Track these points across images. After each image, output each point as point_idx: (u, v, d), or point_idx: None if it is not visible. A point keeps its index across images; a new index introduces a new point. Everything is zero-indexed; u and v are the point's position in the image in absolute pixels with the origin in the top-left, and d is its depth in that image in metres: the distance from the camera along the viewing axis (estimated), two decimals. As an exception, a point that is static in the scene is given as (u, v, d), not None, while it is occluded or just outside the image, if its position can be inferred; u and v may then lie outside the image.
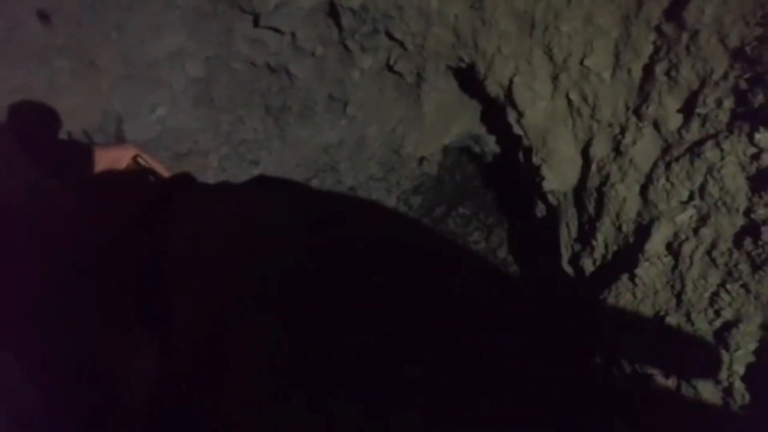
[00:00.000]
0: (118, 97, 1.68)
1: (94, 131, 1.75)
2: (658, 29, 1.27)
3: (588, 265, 1.51)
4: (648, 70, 1.31)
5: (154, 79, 1.81)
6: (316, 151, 2.15)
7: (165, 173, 1.12)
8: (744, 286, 1.06)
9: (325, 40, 1.91)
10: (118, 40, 1.73)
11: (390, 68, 1.94)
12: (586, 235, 1.52)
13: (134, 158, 1.09)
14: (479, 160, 2.05)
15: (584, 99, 1.46)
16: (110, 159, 1.08)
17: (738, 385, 1.05)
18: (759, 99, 1.05)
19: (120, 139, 1.81)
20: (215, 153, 1.98)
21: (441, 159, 2.11)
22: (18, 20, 1.60)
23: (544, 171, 1.58)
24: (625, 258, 1.36)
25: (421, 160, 2.10)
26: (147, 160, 1.11)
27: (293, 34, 1.86)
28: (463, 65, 1.80)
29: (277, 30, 1.81)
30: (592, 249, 1.48)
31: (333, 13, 1.83)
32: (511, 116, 1.63)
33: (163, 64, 1.85)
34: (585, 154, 1.49)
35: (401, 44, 1.84)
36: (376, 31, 1.84)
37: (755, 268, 1.04)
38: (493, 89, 1.69)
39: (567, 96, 1.50)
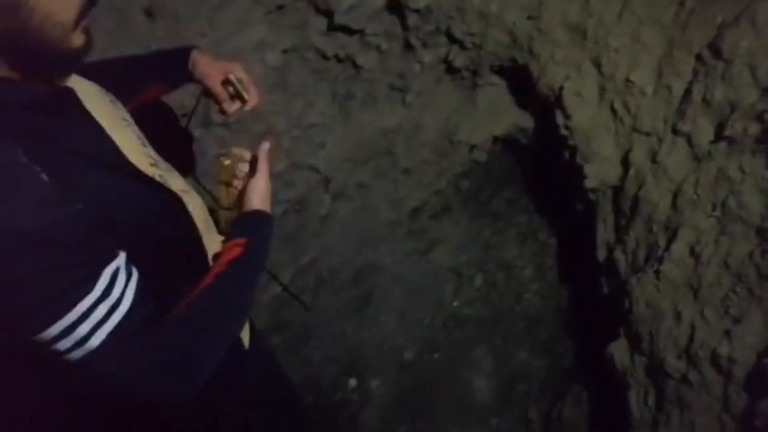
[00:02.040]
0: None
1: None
2: (698, 55, 1.41)
3: (620, 258, 1.69)
4: (686, 91, 1.46)
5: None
6: (375, 135, 2.35)
7: (251, 98, 1.15)
8: (750, 290, 1.24)
9: (390, 35, 2.08)
10: (209, 32, 1.95)
11: (448, 63, 2.11)
12: (620, 232, 1.70)
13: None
14: (525, 150, 2.22)
15: (627, 109, 1.61)
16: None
17: (737, 372, 1.24)
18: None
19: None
20: (287, 135, 2.20)
21: (490, 147, 2.28)
22: (126, 15, 1.83)
23: (587, 170, 1.75)
24: (653, 256, 1.54)
25: (472, 147, 2.28)
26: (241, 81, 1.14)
27: (362, 31, 2.04)
28: (516, 65, 1.95)
29: (348, 27, 1.99)
30: (625, 244, 1.66)
31: (399, 12, 1.99)
32: (559, 118, 1.80)
33: (246, 54, 2.06)
34: (624, 159, 1.65)
35: (460, 43, 2.00)
36: (438, 30, 2.01)
37: (761, 276, 1.22)
38: (544, 91, 1.84)
39: (611, 105, 1.65)
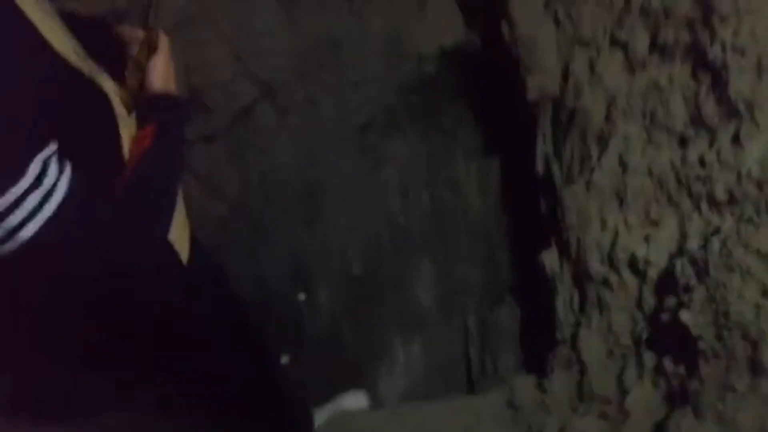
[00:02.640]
0: None
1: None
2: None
3: (556, 171, 1.73)
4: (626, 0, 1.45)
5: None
6: (322, 44, 2.28)
7: None
8: (669, 196, 1.30)
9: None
10: None
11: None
12: (557, 145, 1.73)
13: None
14: (473, 62, 2.20)
15: (570, 18, 1.60)
16: None
17: (651, 273, 1.32)
18: (704, 37, 1.22)
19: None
20: (233, 42, 2.12)
21: (439, 59, 2.25)
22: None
23: (529, 82, 1.76)
24: (586, 167, 1.58)
25: (420, 59, 2.25)
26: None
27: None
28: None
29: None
30: (561, 157, 1.70)
31: None
32: (504, 27, 1.78)
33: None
34: (565, 70, 1.66)
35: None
36: (385, -67, 1.92)
37: (679, 182, 1.27)
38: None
39: (555, 14, 1.64)
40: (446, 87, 2.41)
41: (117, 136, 0.97)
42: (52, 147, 0.73)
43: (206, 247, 1.45)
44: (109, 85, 0.98)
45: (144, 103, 1.02)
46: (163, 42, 1.06)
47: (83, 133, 0.85)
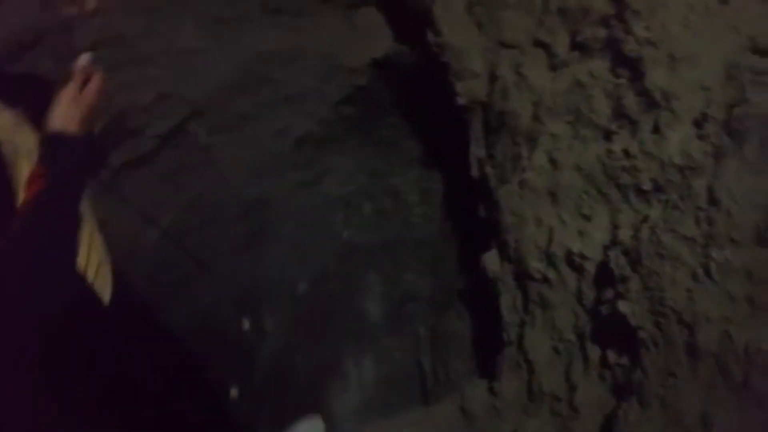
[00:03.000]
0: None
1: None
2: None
3: (490, 173, 1.74)
4: (545, 1, 1.48)
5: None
6: (251, 60, 2.24)
7: None
8: (598, 190, 1.32)
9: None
10: None
11: (321, -18, 2.02)
12: (489, 147, 1.74)
13: None
14: (405, 72, 2.20)
15: (492, 22, 1.62)
16: None
17: (588, 267, 1.33)
18: (619, 33, 1.25)
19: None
20: (153, 63, 2.05)
21: (370, 71, 2.24)
22: None
23: (457, 87, 1.77)
24: (518, 167, 1.59)
25: (352, 71, 2.24)
26: None
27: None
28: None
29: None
30: (494, 159, 1.71)
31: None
32: (430, 36, 1.78)
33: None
34: (492, 74, 1.68)
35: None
36: (306, -55, 1.90)
37: (607, 175, 1.29)
38: (415, 8, 1.82)
39: (479, 20, 1.66)
40: (380, 98, 2.41)
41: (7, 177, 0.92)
42: None
43: (136, 282, 1.40)
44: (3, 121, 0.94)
45: (41, 142, 0.98)
46: (75, 77, 1.01)
47: None
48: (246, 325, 2.44)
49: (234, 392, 2.34)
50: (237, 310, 2.46)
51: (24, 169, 0.96)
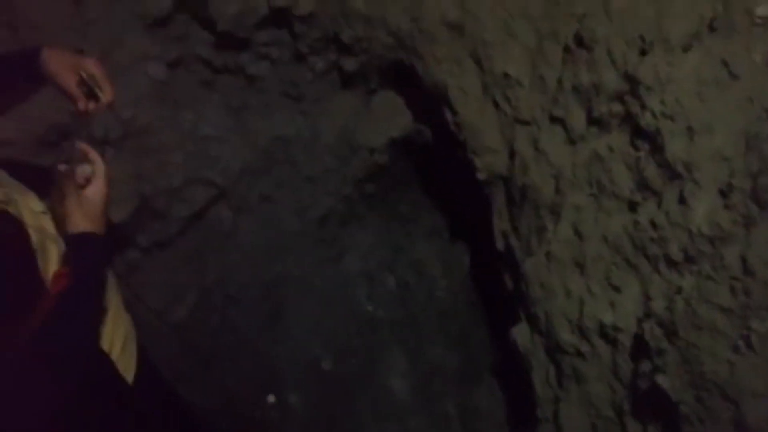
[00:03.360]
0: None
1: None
2: (565, 45, 1.50)
3: (515, 245, 1.75)
4: (558, 80, 1.54)
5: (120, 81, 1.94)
6: (273, 144, 2.31)
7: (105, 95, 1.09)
8: (627, 260, 1.32)
9: (279, 44, 2.07)
10: (83, 47, 1.85)
11: (340, 69, 2.12)
12: (513, 220, 1.76)
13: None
14: (423, 150, 2.26)
15: (507, 101, 1.68)
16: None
17: (622, 339, 1.31)
18: (635, 108, 1.29)
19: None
20: (180, 149, 2.13)
21: (390, 150, 2.31)
22: None
23: (477, 163, 1.81)
24: (544, 239, 1.60)
25: (372, 151, 2.30)
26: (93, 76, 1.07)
27: (248, 40, 2.01)
28: (404, 66, 1.99)
29: (234, 36, 1.96)
30: (518, 232, 1.72)
31: (285, 20, 1.98)
32: (448, 115, 1.85)
33: (127, 69, 1.98)
34: (510, 149, 1.72)
35: (349, 48, 2.02)
36: (325, 37, 2.01)
37: (635, 246, 1.30)
38: (431, 90, 1.89)
39: (494, 98, 1.72)
40: (401, 175, 2.46)
41: (32, 266, 0.95)
42: None
43: (157, 363, 1.41)
44: (29, 210, 0.98)
45: (66, 240, 1.02)
46: (99, 170, 1.06)
47: None
48: (271, 399, 2.40)
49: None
50: (260, 388, 2.42)
51: (53, 253, 0.99)
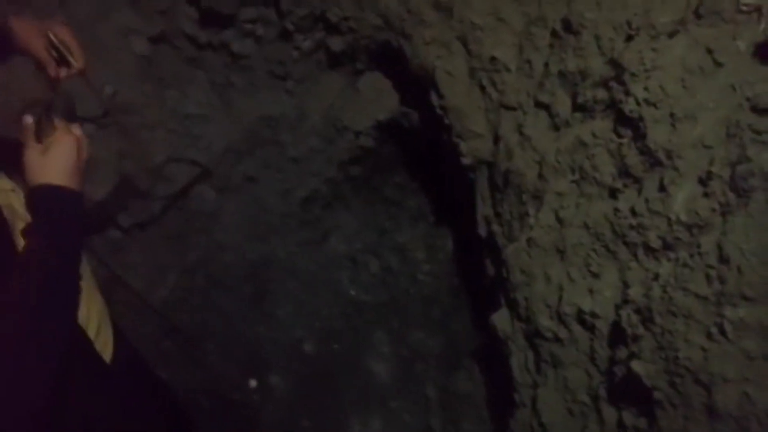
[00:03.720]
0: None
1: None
2: (553, 30, 1.48)
3: (497, 231, 1.75)
4: (545, 64, 1.52)
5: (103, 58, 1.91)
6: (258, 123, 2.29)
7: (77, 61, 1.06)
8: (606, 247, 1.32)
9: (265, 22, 2.03)
10: (63, 19, 1.81)
11: (327, 49, 2.09)
12: (496, 206, 1.75)
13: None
14: (409, 133, 2.25)
15: (494, 85, 1.66)
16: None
17: (600, 326, 1.32)
18: (619, 94, 1.29)
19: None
20: (163, 127, 2.10)
21: (376, 132, 2.29)
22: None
23: (462, 148, 1.80)
24: (525, 225, 1.60)
25: (358, 133, 2.28)
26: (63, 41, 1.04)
27: (234, 16, 1.98)
28: (392, 48, 1.97)
29: (218, 13, 1.92)
30: (501, 217, 1.72)
31: (272, -3, 1.95)
32: (434, 98, 1.83)
33: (109, 42, 1.94)
34: (495, 134, 1.71)
35: (336, 27, 1.99)
36: (312, 15, 1.98)
37: (615, 233, 1.30)
38: (418, 72, 1.87)
39: (480, 82, 1.70)
40: (386, 158, 2.45)
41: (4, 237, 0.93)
42: None
43: (138, 343, 1.40)
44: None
45: (29, 196, 0.98)
46: (75, 128, 1.03)
47: None
48: (253, 383, 2.40)
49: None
50: (243, 370, 2.42)
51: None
